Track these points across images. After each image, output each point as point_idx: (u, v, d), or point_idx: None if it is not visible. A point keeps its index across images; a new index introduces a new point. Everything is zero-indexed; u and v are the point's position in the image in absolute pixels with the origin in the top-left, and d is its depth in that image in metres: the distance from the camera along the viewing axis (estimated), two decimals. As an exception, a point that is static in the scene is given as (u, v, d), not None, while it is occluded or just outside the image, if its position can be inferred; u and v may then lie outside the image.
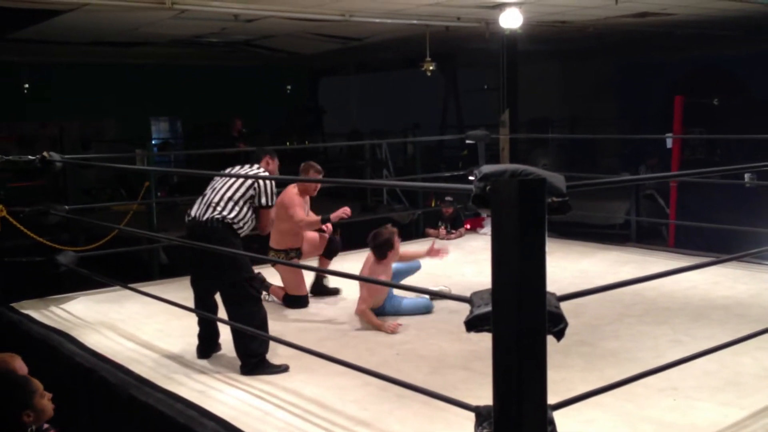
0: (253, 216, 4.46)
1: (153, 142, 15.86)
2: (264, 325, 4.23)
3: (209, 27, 9.88)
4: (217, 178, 4.58)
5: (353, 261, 7.14)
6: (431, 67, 10.34)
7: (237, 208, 4.34)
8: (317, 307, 5.63)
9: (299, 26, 9.86)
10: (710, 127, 10.65)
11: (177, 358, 4.48)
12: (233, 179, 4.43)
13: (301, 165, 5.81)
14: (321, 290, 5.93)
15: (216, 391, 3.93)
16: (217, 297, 4.51)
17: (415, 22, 9.32)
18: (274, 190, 4.51)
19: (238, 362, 4.25)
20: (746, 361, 4.02)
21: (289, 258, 5.63)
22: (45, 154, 5.98)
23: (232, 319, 4.20)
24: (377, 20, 9.06)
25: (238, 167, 4.61)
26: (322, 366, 3.87)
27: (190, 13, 8.19)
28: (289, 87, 17.09)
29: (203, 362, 4.40)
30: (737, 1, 8.50)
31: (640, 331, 4.76)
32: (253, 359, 4.15)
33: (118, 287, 5.72)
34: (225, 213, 4.30)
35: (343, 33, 10.85)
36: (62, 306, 5.77)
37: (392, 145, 13.43)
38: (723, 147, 11.33)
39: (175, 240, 4.70)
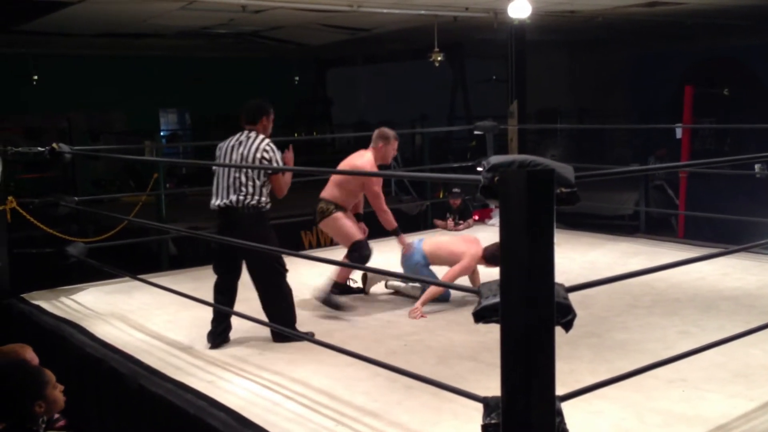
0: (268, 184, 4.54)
1: (161, 133, 15.90)
2: (292, 299, 4.63)
3: (217, 18, 9.87)
4: (225, 156, 4.58)
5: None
6: (439, 58, 10.31)
7: (259, 188, 4.48)
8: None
9: (307, 17, 9.84)
10: (720, 117, 10.59)
11: (186, 349, 4.50)
12: (241, 157, 4.49)
13: (375, 132, 5.82)
14: (345, 290, 5.63)
15: (225, 382, 3.96)
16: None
17: (423, 12, 9.29)
18: (276, 151, 4.56)
19: (248, 353, 4.29)
20: (755, 353, 4.01)
21: (329, 212, 5.37)
22: (54, 145, 6.00)
23: (266, 294, 4.57)
24: (385, 11, 9.03)
25: (237, 136, 4.60)
26: (331, 357, 3.89)
27: (199, 4, 8.19)
28: (297, 78, 17.08)
29: (212, 353, 4.42)
30: (748, -10, 8.43)
31: (648, 323, 4.75)
32: (288, 326, 4.42)
33: (127, 278, 5.74)
34: (261, 198, 4.49)
35: (351, 24, 10.82)
36: (72, 297, 5.80)
37: (400, 136, 13.38)
38: (733, 137, 11.26)
39: (184, 231, 4.74)
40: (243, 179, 4.46)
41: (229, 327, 4.59)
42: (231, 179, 4.49)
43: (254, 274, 4.61)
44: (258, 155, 4.48)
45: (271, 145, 4.57)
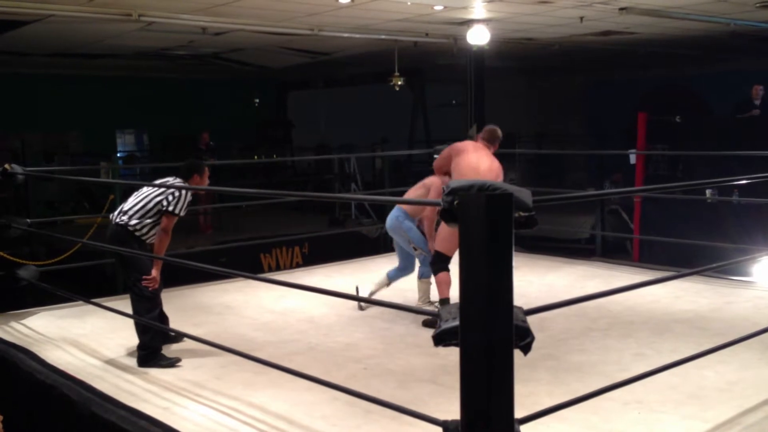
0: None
1: (118, 155, 15.67)
2: (154, 322, 4.64)
3: (177, 40, 9.83)
4: (142, 187, 4.85)
5: (320, 275, 7.14)
6: (399, 82, 10.41)
7: (142, 219, 4.65)
8: (285, 321, 5.59)
9: (268, 40, 9.86)
10: (673, 143, 10.87)
11: (140, 374, 4.41)
12: (152, 189, 4.70)
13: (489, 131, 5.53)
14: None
15: (181, 408, 3.88)
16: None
17: (383, 37, 9.38)
18: (187, 201, 4.66)
19: (204, 378, 4.23)
20: (709, 375, 4.09)
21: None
22: (6, 166, 5.87)
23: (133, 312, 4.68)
24: (346, 35, 9.09)
25: (165, 179, 4.78)
26: (290, 381, 3.84)
27: (157, 25, 8.13)
28: (257, 100, 17.05)
29: (168, 378, 4.34)
30: (698, 21, 8.71)
31: (605, 345, 4.81)
32: (143, 351, 4.54)
33: (80, 302, 5.62)
34: (130, 221, 4.66)
35: (312, 47, 10.88)
36: (23, 321, 5.64)
37: (360, 159, 13.45)
38: (685, 163, 11.56)
39: (139, 254, 4.65)
40: (139, 213, 4.65)
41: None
42: (129, 206, 4.71)
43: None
44: (161, 193, 4.64)
45: (186, 192, 4.65)
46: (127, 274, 4.72)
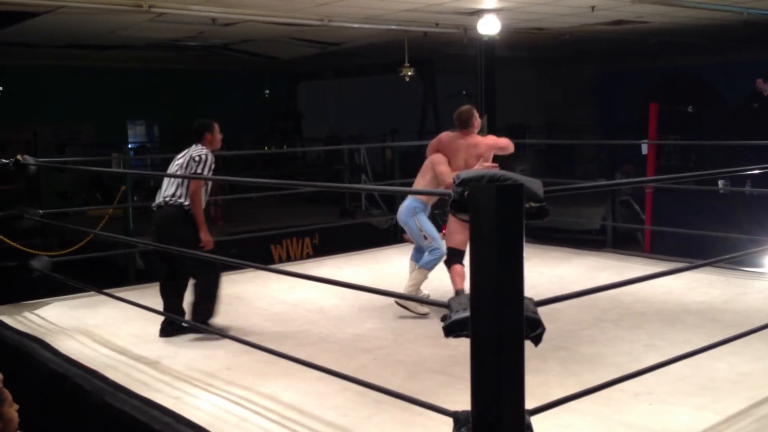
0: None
1: (129, 146, 15.72)
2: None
3: (187, 30, 9.82)
4: (172, 167, 5.14)
5: (330, 266, 7.15)
6: (409, 73, 10.37)
7: (185, 195, 4.92)
8: (296, 311, 5.60)
9: (278, 30, 9.84)
10: (685, 134, 10.79)
11: (153, 364, 4.44)
12: (178, 169, 5.00)
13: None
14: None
15: (192, 397, 3.90)
16: None
17: (393, 27, 9.34)
18: (210, 162, 4.96)
19: (215, 368, 4.25)
20: (720, 366, 4.07)
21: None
22: (19, 157, 5.90)
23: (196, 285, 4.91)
24: (356, 25, 9.06)
25: (184, 152, 5.07)
26: (300, 371, 3.85)
27: (168, 16, 8.13)
28: (267, 91, 17.03)
29: (179, 368, 4.37)
30: (711, 11, 8.64)
31: (616, 336, 4.80)
32: (200, 317, 4.80)
33: (93, 292, 5.65)
34: (184, 201, 4.90)
35: (322, 38, 10.85)
36: (36, 312, 5.69)
37: (371, 150, 13.43)
38: (697, 154, 11.49)
39: (151, 244, 4.70)
40: (181, 189, 4.94)
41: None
42: (166, 185, 5.00)
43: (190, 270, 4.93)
44: (187, 168, 4.94)
45: (205, 154, 4.97)
46: (184, 257, 4.81)
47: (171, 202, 4.89)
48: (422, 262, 5.52)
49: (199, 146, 5.04)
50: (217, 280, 4.90)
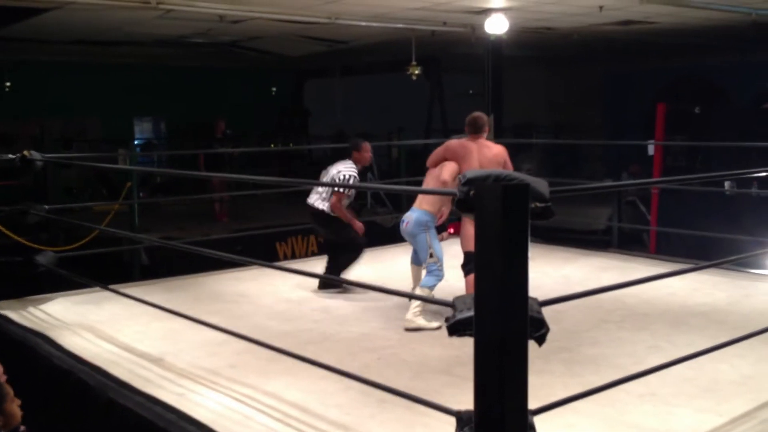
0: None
1: (136, 142, 15.75)
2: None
3: (195, 27, 9.84)
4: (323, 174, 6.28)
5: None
6: (416, 71, 10.36)
7: (327, 202, 6.05)
8: (300, 310, 5.61)
9: (285, 28, 9.84)
10: (692, 134, 10.76)
11: (157, 361, 4.45)
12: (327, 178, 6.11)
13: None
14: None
15: (196, 395, 3.91)
16: None
17: (401, 26, 9.34)
18: (349, 176, 5.96)
19: (219, 366, 4.27)
20: (724, 368, 4.06)
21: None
22: (25, 152, 5.92)
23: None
24: (363, 23, 9.06)
25: (337, 162, 6.12)
26: (304, 369, 3.86)
27: (176, 13, 8.15)
28: (274, 89, 17.04)
29: (183, 365, 4.37)
30: (719, 11, 8.60)
31: (619, 337, 4.78)
32: (336, 271, 5.99)
33: (97, 288, 5.66)
34: (323, 207, 6.05)
35: (329, 36, 10.85)
36: (40, 307, 5.70)
37: (377, 148, 13.39)
38: (704, 155, 11.45)
39: (156, 241, 4.70)
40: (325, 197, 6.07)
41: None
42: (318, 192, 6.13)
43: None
44: (335, 174, 6.03)
45: (349, 175, 5.97)
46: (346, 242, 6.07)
47: (315, 206, 6.04)
48: (423, 283, 5.30)
49: (349, 162, 6.02)
50: (357, 258, 6.06)
